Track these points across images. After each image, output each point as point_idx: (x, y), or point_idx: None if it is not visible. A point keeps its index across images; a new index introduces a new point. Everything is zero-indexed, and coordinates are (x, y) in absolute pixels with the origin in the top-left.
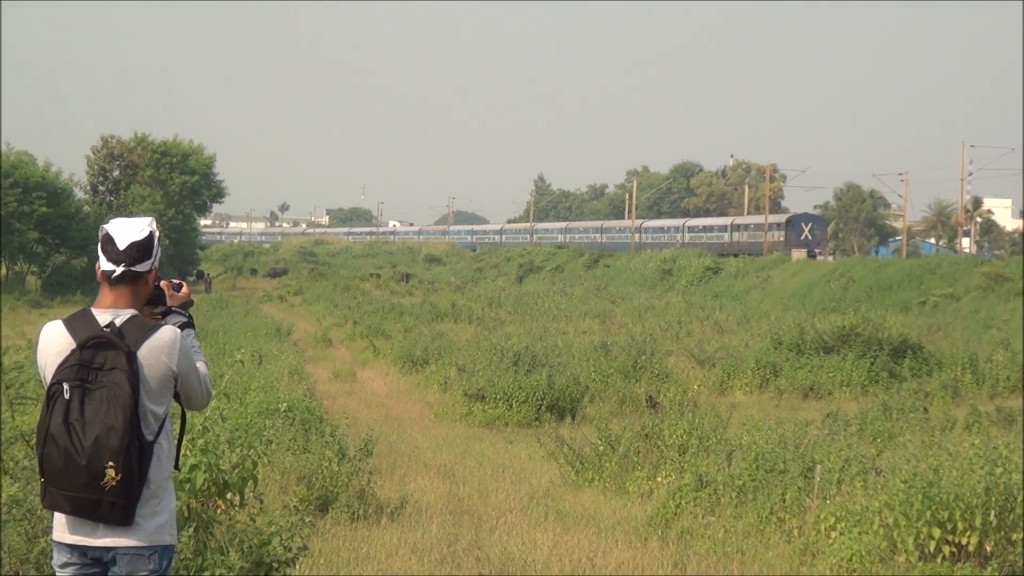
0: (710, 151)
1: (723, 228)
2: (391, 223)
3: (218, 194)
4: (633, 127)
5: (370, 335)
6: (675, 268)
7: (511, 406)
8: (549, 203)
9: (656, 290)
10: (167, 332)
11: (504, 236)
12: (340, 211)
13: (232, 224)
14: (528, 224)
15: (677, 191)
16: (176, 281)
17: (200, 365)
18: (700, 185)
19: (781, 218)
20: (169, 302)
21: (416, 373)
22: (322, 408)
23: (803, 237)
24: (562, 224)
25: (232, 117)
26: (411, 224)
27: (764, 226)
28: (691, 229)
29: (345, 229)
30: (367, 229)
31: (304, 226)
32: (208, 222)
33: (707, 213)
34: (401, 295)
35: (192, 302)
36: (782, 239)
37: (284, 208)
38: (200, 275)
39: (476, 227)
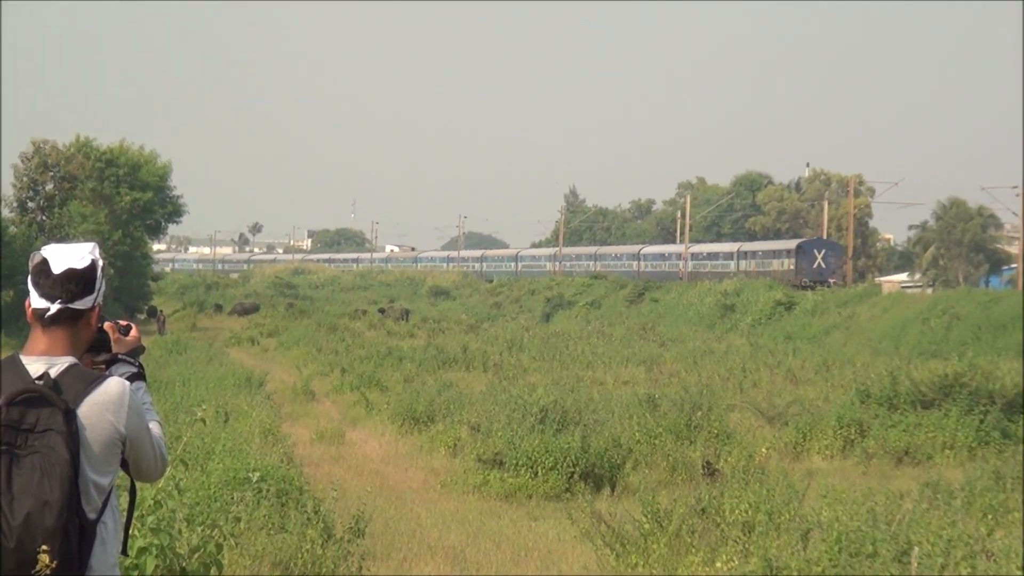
0: (781, 160)
1: (728, 255)
2: (388, 248)
3: (175, 212)
4: (686, 131)
5: (362, 386)
6: (738, 303)
7: (536, 474)
8: (583, 223)
9: (715, 330)
10: (113, 386)
11: (520, 264)
12: (325, 233)
13: (192, 249)
14: (551, 250)
15: (740, 208)
16: (123, 323)
17: (153, 426)
18: (769, 201)
19: (791, 244)
20: (115, 348)
21: (419, 433)
22: (303, 477)
23: (815, 265)
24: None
25: (192, 119)
26: (412, 249)
27: (772, 252)
28: (694, 256)
29: (331, 255)
30: (358, 255)
31: (281, 251)
32: (163, 247)
33: (777, 234)
34: (400, 337)
35: (143, 348)
36: (792, 267)
37: (256, 229)
38: (152, 313)
39: (489, 252)
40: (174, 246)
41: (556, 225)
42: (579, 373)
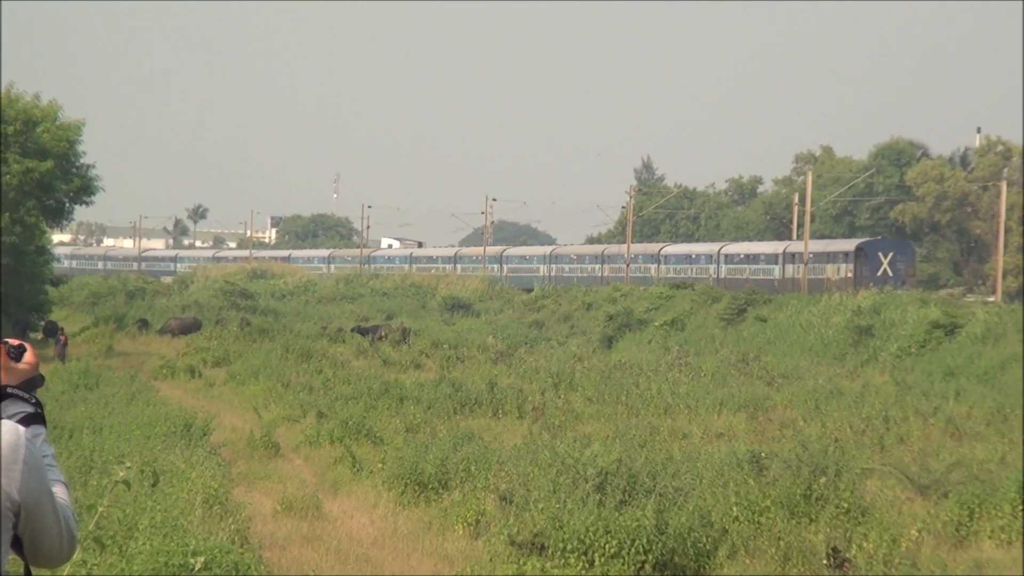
0: (939, 124)
1: (772, 258)
2: (385, 242)
3: (85, 190)
4: (807, 84)
5: (347, 437)
6: (878, 324)
7: (592, 563)
8: (661, 209)
9: (846, 362)
10: (3, 435)
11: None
12: (296, 221)
13: (108, 242)
14: (615, 247)
15: (883, 188)
16: (14, 342)
17: (58, 489)
18: (923, 181)
19: (849, 244)
20: (3, 378)
21: (426, 504)
22: (262, 565)
23: (880, 272)
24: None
25: (110, 63)
26: (419, 244)
27: (825, 255)
28: (728, 259)
29: (305, 252)
30: (343, 251)
31: (233, 245)
32: (66, 238)
33: (934, 228)
34: (401, 368)
35: (42, 379)
36: (850, 274)
37: (198, 214)
38: (50, 331)
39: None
40: (83, 237)
41: (622, 212)
42: (653, 421)
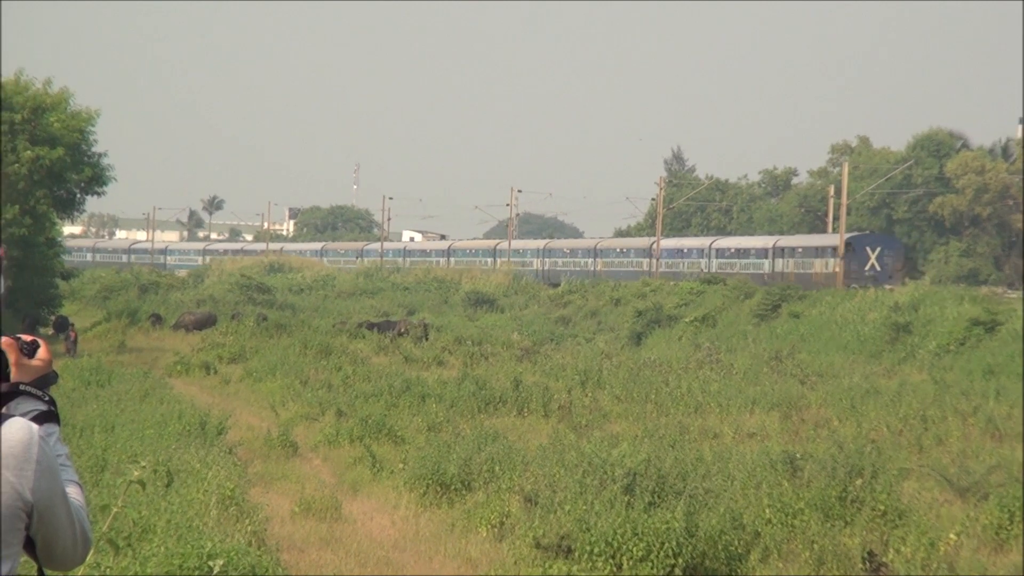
0: (980, 114)
1: (762, 252)
2: (406, 235)
3: (97, 180)
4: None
5: (367, 436)
6: (916, 321)
7: (620, 566)
8: (691, 201)
9: (882, 360)
10: (15, 432)
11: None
12: (314, 212)
13: (121, 234)
14: (645, 240)
15: (922, 180)
16: (27, 338)
17: (72, 490)
18: (963, 172)
19: (837, 239)
20: (15, 375)
21: (449, 505)
22: (280, 567)
23: (868, 267)
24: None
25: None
26: (442, 237)
27: (814, 250)
28: (720, 253)
29: (324, 244)
30: (363, 245)
31: (250, 238)
32: (77, 230)
33: (974, 221)
34: (423, 365)
35: (55, 376)
36: (838, 269)
37: (214, 206)
38: (60, 325)
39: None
40: (95, 229)
41: (651, 204)
42: (683, 420)
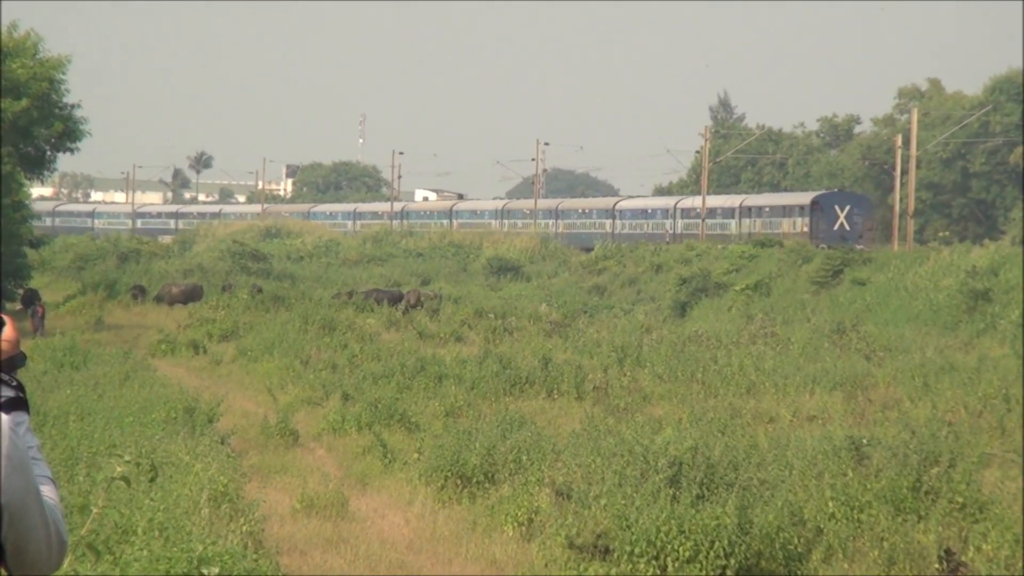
0: None
1: (729, 212)
2: (419, 194)
3: (69, 135)
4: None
5: (376, 423)
6: (996, 287)
7: (664, 568)
8: (740, 153)
9: (959, 332)
10: None
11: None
12: (315, 170)
13: (96, 196)
14: (688, 199)
15: (1000, 128)
16: None
17: (46, 489)
18: None
19: (804, 198)
20: None
21: (470, 500)
22: (280, 572)
23: (837, 226)
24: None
25: None
26: (459, 196)
27: (781, 208)
28: (685, 213)
29: (326, 206)
30: (370, 206)
31: (242, 199)
32: (47, 191)
33: None
34: (440, 341)
35: (24, 357)
36: (806, 228)
37: (202, 163)
38: (28, 301)
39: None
40: (67, 191)
41: (696, 158)
42: (734, 402)
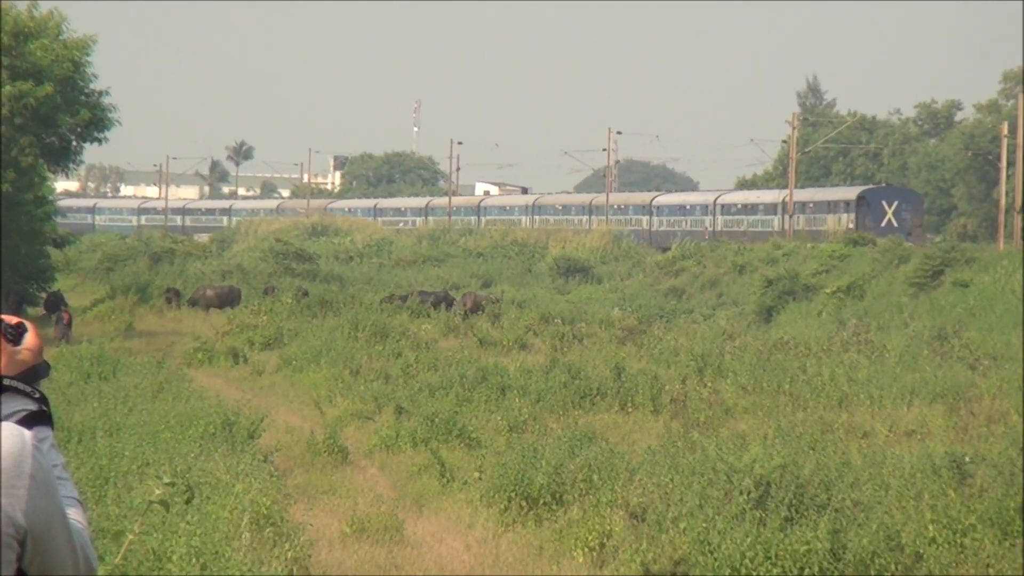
0: None
1: (771, 208)
2: (480, 187)
3: (97, 124)
4: None
5: (434, 439)
6: None
7: None
8: (832, 143)
9: None
10: (4, 440)
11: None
12: (366, 161)
13: (126, 190)
14: (774, 193)
15: None
16: (12, 320)
17: (73, 512)
18: None
19: (850, 193)
20: (1, 369)
21: (536, 523)
22: None
23: (884, 222)
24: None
25: None
26: (523, 191)
27: (825, 204)
28: (725, 209)
29: (376, 201)
30: (426, 200)
31: (286, 194)
32: (73, 185)
33: None
34: (502, 349)
35: (47, 367)
36: (852, 225)
37: (242, 154)
38: (52, 305)
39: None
40: (94, 185)
41: (782, 148)
42: (825, 416)
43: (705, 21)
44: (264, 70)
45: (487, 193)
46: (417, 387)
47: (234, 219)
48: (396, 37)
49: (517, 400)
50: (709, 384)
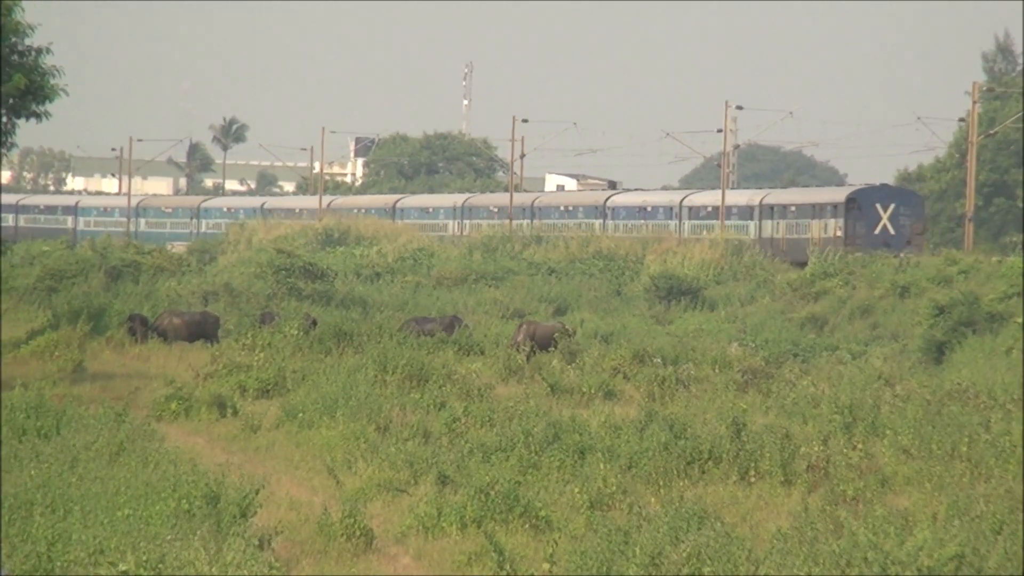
0: None
1: (746, 211)
2: (552, 180)
3: (36, 94)
4: None
5: (488, 518)
6: None
7: None
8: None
9: None
10: None
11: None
12: (398, 145)
13: (75, 181)
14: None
15: None
16: None
17: None
18: None
19: (839, 194)
20: None
21: None
22: None
23: (878, 228)
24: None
25: None
26: (611, 184)
27: (809, 208)
28: (693, 212)
29: (419, 199)
30: (462, 197)
31: (291, 188)
32: (5, 175)
33: None
34: (579, 398)
35: None
36: (839, 231)
37: (231, 135)
38: None
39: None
40: (31, 175)
41: (960, 128)
42: (1015, 489)
43: None
44: (261, 23)
45: (560, 188)
46: (467, 449)
47: (80, 220)
48: None
49: (601, 466)
50: (860, 446)
